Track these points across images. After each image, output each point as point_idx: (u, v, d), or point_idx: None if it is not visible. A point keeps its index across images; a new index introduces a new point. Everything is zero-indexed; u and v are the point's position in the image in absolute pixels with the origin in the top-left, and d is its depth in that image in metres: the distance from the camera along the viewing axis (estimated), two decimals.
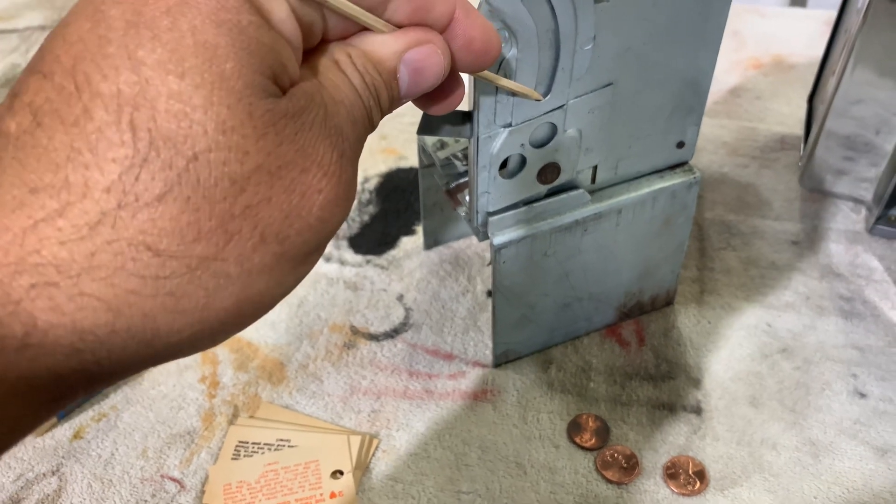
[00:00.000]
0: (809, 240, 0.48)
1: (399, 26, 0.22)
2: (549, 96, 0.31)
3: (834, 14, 0.51)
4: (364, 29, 0.22)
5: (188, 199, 0.17)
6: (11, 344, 0.16)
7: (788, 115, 0.57)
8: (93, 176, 0.17)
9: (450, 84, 0.24)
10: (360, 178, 0.52)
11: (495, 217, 0.35)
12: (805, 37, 0.65)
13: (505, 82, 0.29)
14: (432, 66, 0.22)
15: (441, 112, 0.25)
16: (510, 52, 0.29)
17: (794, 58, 0.63)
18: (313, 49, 0.21)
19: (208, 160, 0.17)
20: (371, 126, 0.22)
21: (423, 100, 0.24)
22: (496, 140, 0.32)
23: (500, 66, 0.29)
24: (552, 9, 0.29)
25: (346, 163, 0.20)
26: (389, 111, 0.23)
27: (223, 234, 0.18)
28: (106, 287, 0.17)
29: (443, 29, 0.22)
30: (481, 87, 0.30)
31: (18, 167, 0.17)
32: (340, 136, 0.20)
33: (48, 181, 0.17)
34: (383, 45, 0.21)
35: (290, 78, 0.20)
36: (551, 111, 0.32)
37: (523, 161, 0.33)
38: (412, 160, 0.54)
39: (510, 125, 0.32)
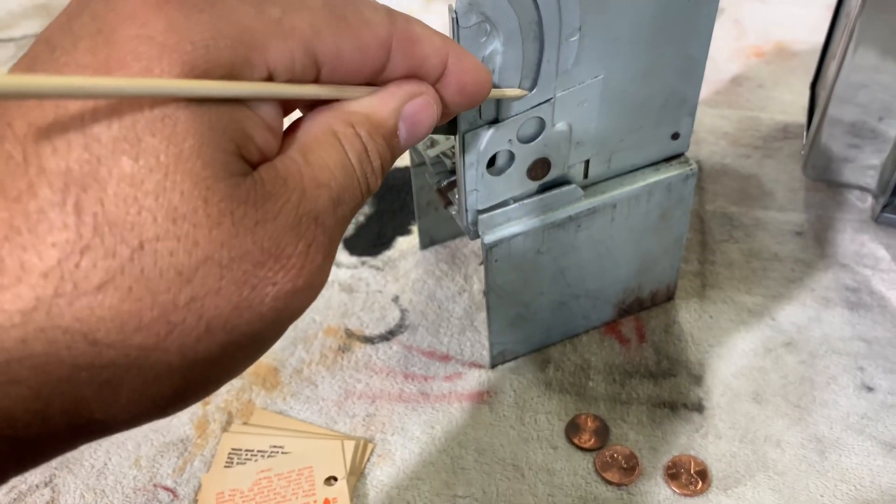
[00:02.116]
0: (813, 230, 0.47)
1: None
2: (535, 90, 0.31)
3: None
4: None
5: (130, 289, 0.16)
6: None
7: (791, 104, 0.56)
8: (30, 259, 0.16)
9: None
10: None
11: (485, 215, 0.34)
12: (807, 23, 0.64)
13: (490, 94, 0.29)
14: (427, 118, 0.22)
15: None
16: (492, 46, 0.28)
17: (796, 45, 0.62)
18: (313, 112, 0.21)
19: (154, 250, 0.16)
20: (364, 197, 0.21)
21: None
22: (482, 136, 0.31)
23: (482, 61, 0.29)
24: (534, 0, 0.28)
25: (316, 251, 0.19)
26: (390, 168, 0.22)
27: (165, 325, 0.17)
28: (37, 375, 0.16)
29: (436, 79, 0.22)
30: None
31: None
32: (314, 223, 0.19)
33: None
34: (382, 104, 0.21)
35: (260, 150, 0.19)
36: (538, 105, 0.31)
37: (512, 157, 0.33)
38: (406, 159, 0.53)
39: (496, 121, 0.31)
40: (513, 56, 0.29)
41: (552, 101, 0.31)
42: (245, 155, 0.18)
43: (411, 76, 0.22)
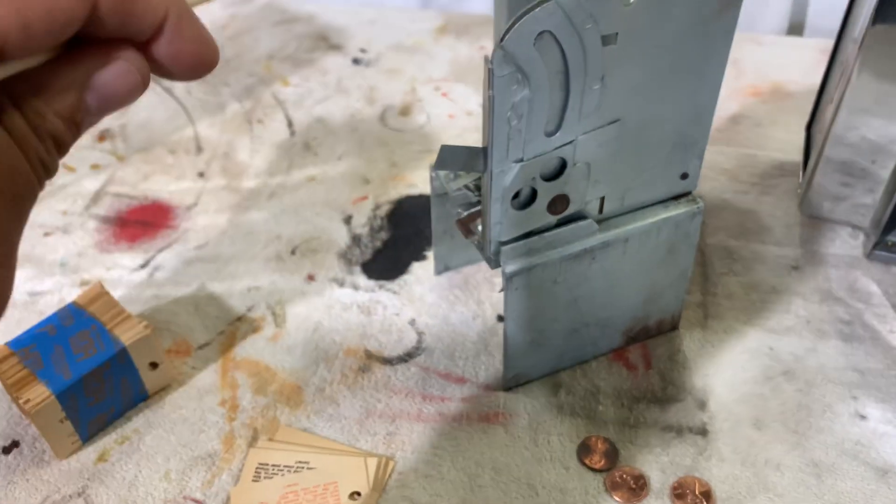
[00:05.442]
0: (809, 265, 0.49)
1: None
2: (559, 132, 0.33)
3: (828, 43, 0.52)
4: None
5: None
6: None
7: (787, 142, 0.59)
8: None
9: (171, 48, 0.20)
10: (371, 205, 0.53)
11: (507, 246, 0.36)
12: (802, 65, 0.67)
13: None
14: (124, 86, 0.19)
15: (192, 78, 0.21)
16: (523, 93, 0.31)
17: (791, 85, 0.65)
18: None
19: None
20: (43, 181, 0.19)
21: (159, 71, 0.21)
22: (509, 174, 0.33)
23: (513, 106, 0.31)
24: (563, 53, 0.30)
25: None
26: (75, 142, 0.19)
27: None
28: None
29: (148, 39, 0.19)
30: (495, 125, 0.31)
31: None
32: None
33: None
34: (57, 76, 0.18)
35: None
36: (561, 146, 0.34)
37: (534, 193, 0.35)
38: (421, 188, 0.55)
39: (522, 160, 0.33)
40: (541, 102, 0.31)
41: (574, 142, 0.34)
42: None
43: (121, 37, 0.19)
